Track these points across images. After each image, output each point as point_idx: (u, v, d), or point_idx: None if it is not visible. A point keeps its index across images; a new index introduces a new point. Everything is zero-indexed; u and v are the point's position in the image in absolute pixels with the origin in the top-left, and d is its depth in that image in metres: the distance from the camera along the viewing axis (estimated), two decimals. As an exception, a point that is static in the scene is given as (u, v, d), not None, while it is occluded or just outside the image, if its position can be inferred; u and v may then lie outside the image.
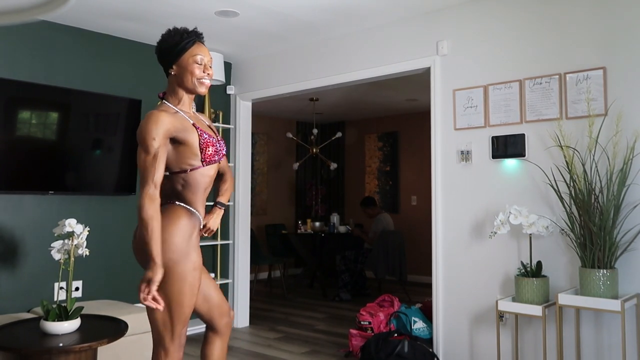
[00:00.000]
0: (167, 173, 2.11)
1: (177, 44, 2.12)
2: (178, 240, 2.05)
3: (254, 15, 3.87)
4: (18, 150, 3.71)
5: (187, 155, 2.09)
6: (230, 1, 3.60)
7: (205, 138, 2.12)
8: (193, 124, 2.12)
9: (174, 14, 3.79)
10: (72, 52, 4.05)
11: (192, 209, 2.13)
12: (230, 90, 5.05)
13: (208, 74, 2.16)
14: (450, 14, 3.68)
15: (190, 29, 2.18)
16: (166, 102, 2.16)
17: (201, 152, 2.10)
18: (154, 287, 1.92)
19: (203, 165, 2.12)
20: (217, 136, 2.24)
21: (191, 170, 2.10)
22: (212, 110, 4.81)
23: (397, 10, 3.79)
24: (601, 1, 3.06)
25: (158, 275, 1.93)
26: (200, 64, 2.13)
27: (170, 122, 2.04)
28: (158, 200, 1.98)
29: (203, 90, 2.17)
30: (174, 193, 2.13)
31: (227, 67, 5.06)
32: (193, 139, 2.09)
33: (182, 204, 2.12)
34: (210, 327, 2.32)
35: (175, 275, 2.02)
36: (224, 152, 2.27)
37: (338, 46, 4.33)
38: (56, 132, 3.90)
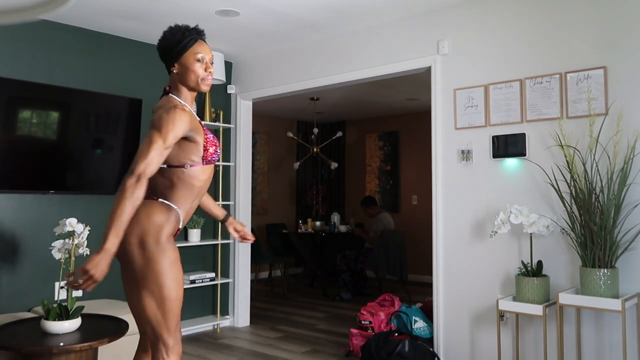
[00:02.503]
0: (165, 165, 2.06)
1: (178, 42, 2.10)
2: (151, 238, 2.01)
3: (255, 15, 3.87)
4: (19, 149, 3.71)
5: (191, 152, 2.08)
6: (231, 0, 3.59)
7: (209, 137, 2.13)
8: (199, 122, 2.14)
9: (174, 13, 3.79)
10: (73, 52, 4.05)
11: (172, 205, 2.08)
12: (231, 89, 5.04)
13: (210, 71, 2.16)
14: (451, 13, 3.68)
15: (192, 25, 2.17)
16: (175, 97, 2.13)
17: (204, 151, 2.11)
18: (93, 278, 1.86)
19: (202, 164, 2.11)
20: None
21: (190, 166, 2.09)
22: (212, 109, 4.81)
23: (398, 10, 3.78)
24: (601, 1, 3.06)
25: (102, 264, 1.86)
26: (202, 62, 2.13)
27: (189, 122, 2.04)
28: (144, 188, 1.92)
29: (205, 88, 2.17)
30: (160, 189, 2.08)
31: (228, 66, 5.05)
32: (200, 137, 2.09)
33: (164, 201, 2.07)
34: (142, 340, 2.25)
35: (155, 272, 2.00)
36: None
37: (338, 45, 4.33)
38: (57, 131, 3.90)
